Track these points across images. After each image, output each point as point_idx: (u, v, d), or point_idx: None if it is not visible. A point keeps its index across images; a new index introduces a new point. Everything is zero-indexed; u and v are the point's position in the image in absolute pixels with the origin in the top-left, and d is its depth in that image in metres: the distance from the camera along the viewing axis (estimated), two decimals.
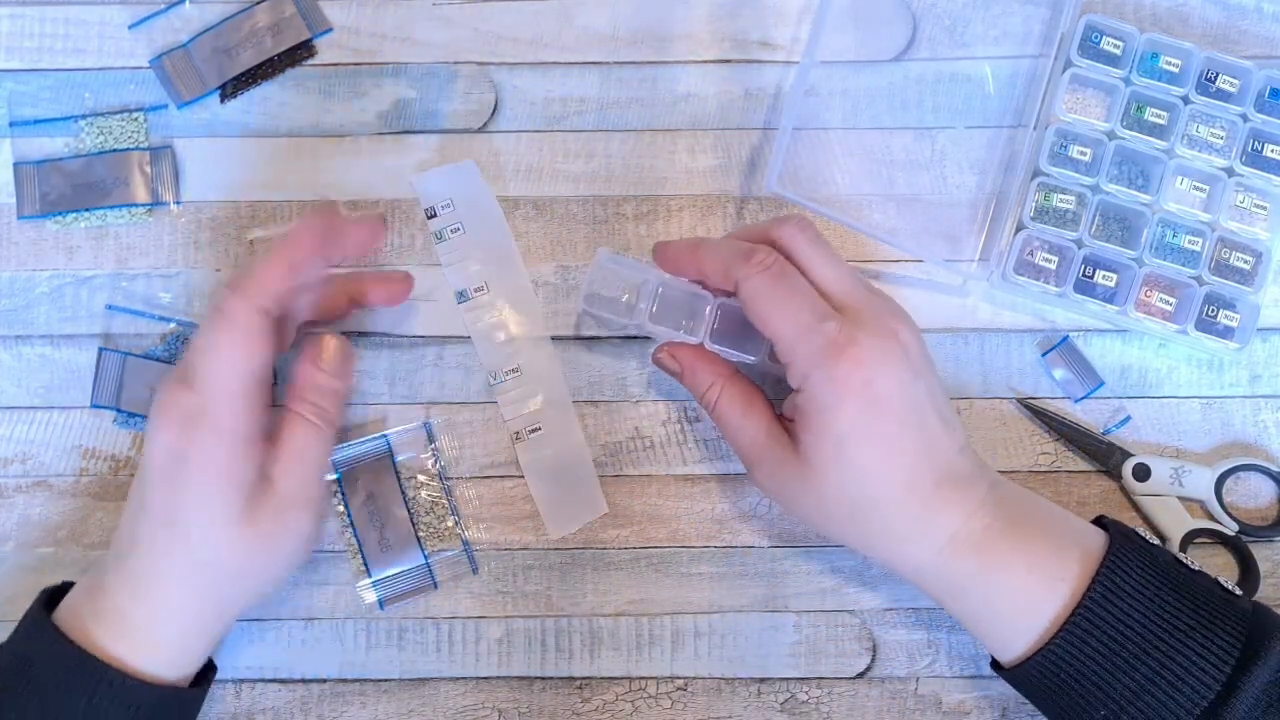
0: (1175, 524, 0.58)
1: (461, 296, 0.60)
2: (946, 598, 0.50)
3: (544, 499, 0.59)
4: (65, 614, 0.51)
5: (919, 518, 0.49)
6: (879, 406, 0.48)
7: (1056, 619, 0.48)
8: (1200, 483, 0.58)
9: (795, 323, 0.48)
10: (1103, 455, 0.58)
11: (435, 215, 0.60)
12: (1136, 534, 0.51)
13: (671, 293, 0.55)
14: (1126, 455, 0.58)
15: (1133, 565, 0.48)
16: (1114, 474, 0.59)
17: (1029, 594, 0.48)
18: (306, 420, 0.51)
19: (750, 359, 0.54)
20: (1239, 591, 0.49)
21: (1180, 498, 0.58)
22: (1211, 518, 0.58)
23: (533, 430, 0.59)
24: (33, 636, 0.50)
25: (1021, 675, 0.49)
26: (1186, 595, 0.47)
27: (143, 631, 0.50)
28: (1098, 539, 0.50)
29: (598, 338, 0.60)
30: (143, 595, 0.50)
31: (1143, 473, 0.58)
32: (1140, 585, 0.47)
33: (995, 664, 0.52)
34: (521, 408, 0.59)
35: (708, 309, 0.54)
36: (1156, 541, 0.51)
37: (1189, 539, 0.57)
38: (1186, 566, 0.49)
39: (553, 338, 0.60)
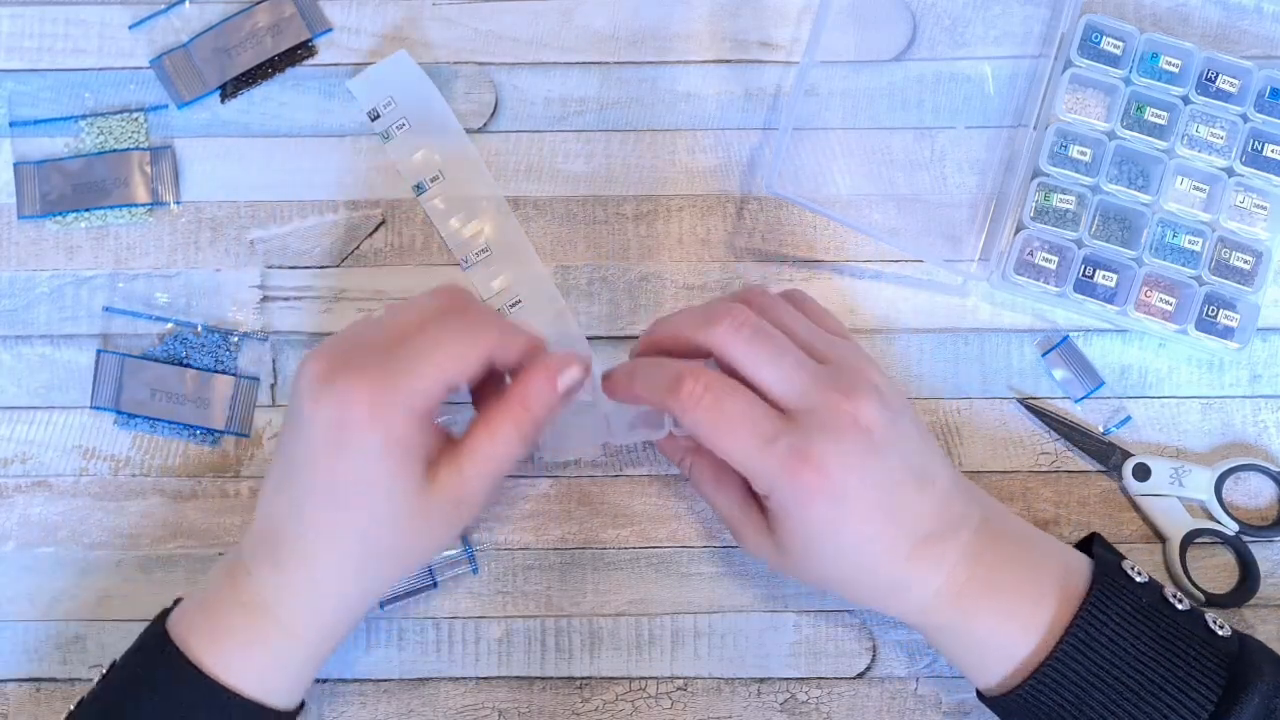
0: (1175, 524, 0.58)
1: (419, 189, 0.60)
2: (930, 639, 0.51)
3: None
4: (181, 628, 0.49)
5: (898, 582, 0.49)
6: (846, 503, 0.47)
7: (1030, 662, 0.48)
8: (1200, 483, 0.58)
9: (743, 450, 0.47)
10: (1103, 455, 0.58)
11: (379, 116, 0.61)
12: (1121, 569, 0.50)
13: (626, 413, 0.55)
14: (1127, 455, 0.58)
15: (1111, 612, 0.47)
16: (1114, 474, 0.59)
17: (1007, 637, 0.48)
18: (519, 424, 0.48)
19: None
20: (1224, 631, 0.48)
21: (1180, 498, 0.58)
22: (1211, 518, 0.58)
23: (514, 304, 0.60)
24: (154, 660, 0.49)
25: (999, 709, 0.50)
26: (1166, 642, 0.47)
27: (288, 619, 0.48)
28: (1081, 577, 0.49)
29: (598, 338, 0.60)
30: (298, 577, 0.48)
31: (1143, 473, 0.58)
32: (1117, 633, 0.47)
33: (978, 692, 0.52)
34: (498, 284, 0.60)
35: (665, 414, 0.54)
36: (1142, 576, 0.50)
37: (1189, 539, 0.57)
38: (1171, 607, 0.49)
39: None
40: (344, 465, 0.46)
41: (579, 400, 0.52)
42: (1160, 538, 0.58)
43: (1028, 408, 0.59)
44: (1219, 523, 0.58)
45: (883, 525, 0.48)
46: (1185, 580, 0.57)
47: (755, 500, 0.51)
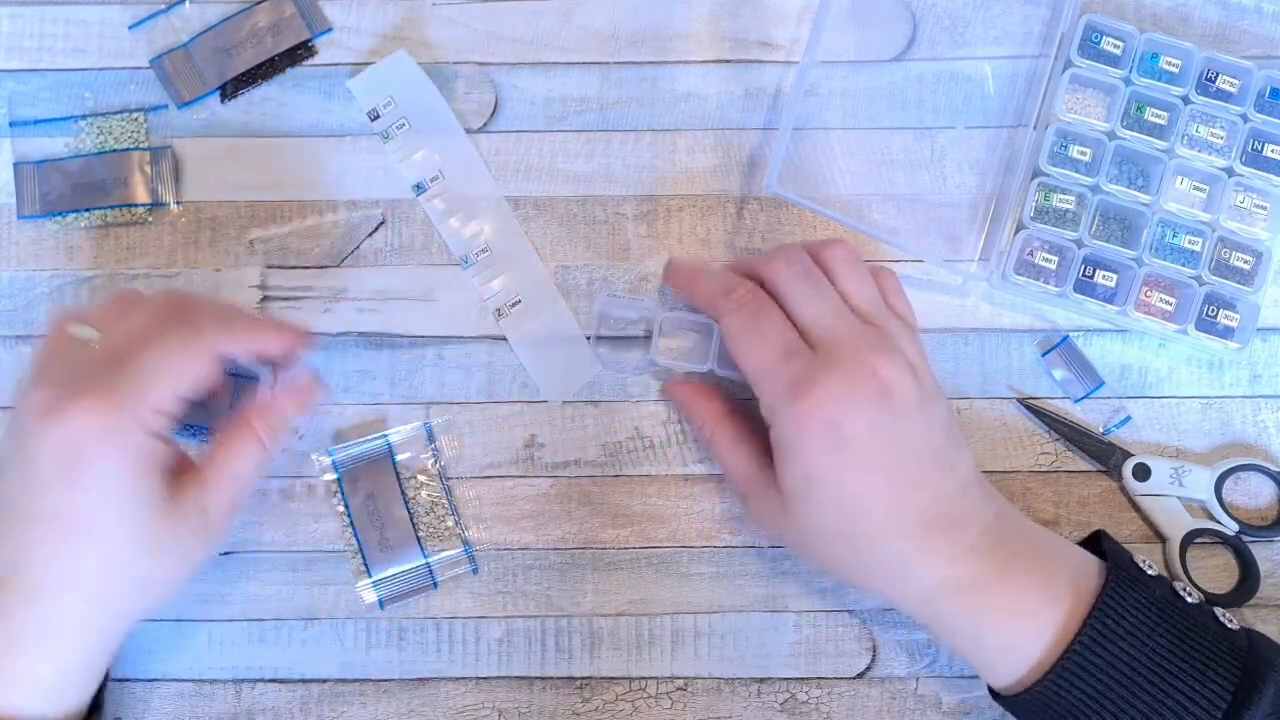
0: (1175, 524, 0.58)
1: (419, 189, 0.60)
2: (935, 632, 0.51)
3: (537, 369, 0.59)
4: None
5: (903, 560, 0.48)
6: (846, 448, 0.47)
7: (1045, 661, 0.48)
8: (1200, 483, 0.58)
9: (761, 361, 0.49)
10: (1103, 455, 0.58)
11: (379, 116, 0.60)
12: (1134, 562, 0.50)
13: (675, 325, 0.58)
14: (1126, 455, 0.58)
15: (1127, 604, 0.47)
16: (1114, 474, 0.59)
17: (1020, 636, 0.48)
18: (257, 438, 0.52)
19: None
20: (1233, 624, 0.49)
21: (1180, 498, 0.58)
22: (1211, 518, 0.58)
23: (514, 304, 0.60)
24: None
25: (1013, 707, 0.50)
26: (1181, 634, 0.47)
27: (35, 661, 0.46)
28: (1092, 575, 0.49)
29: (599, 336, 0.60)
30: (38, 616, 0.46)
31: (1143, 473, 0.58)
32: (1134, 626, 0.47)
33: (990, 688, 0.52)
34: (498, 284, 0.60)
35: (713, 337, 0.56)
36: (1152, 569, 0.50)
37: (1189, 539, 0.57)
38: (1182, 600, 0.49)
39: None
40: (77, 495, 0.45)
41: (631, 324, 0.58)
42: (1160, 538, 0.58)
43: (1028, 407, 0.59)
44: (1219, 523, 0.58)
45: (888, 486, 0.47)
46: (1185, 580, 0.57)
47: (770, 465, 0.51)
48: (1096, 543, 0.53)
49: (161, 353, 0.47)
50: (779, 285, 0.51)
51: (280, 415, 0.53)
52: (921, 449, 0.48)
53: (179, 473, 0.49)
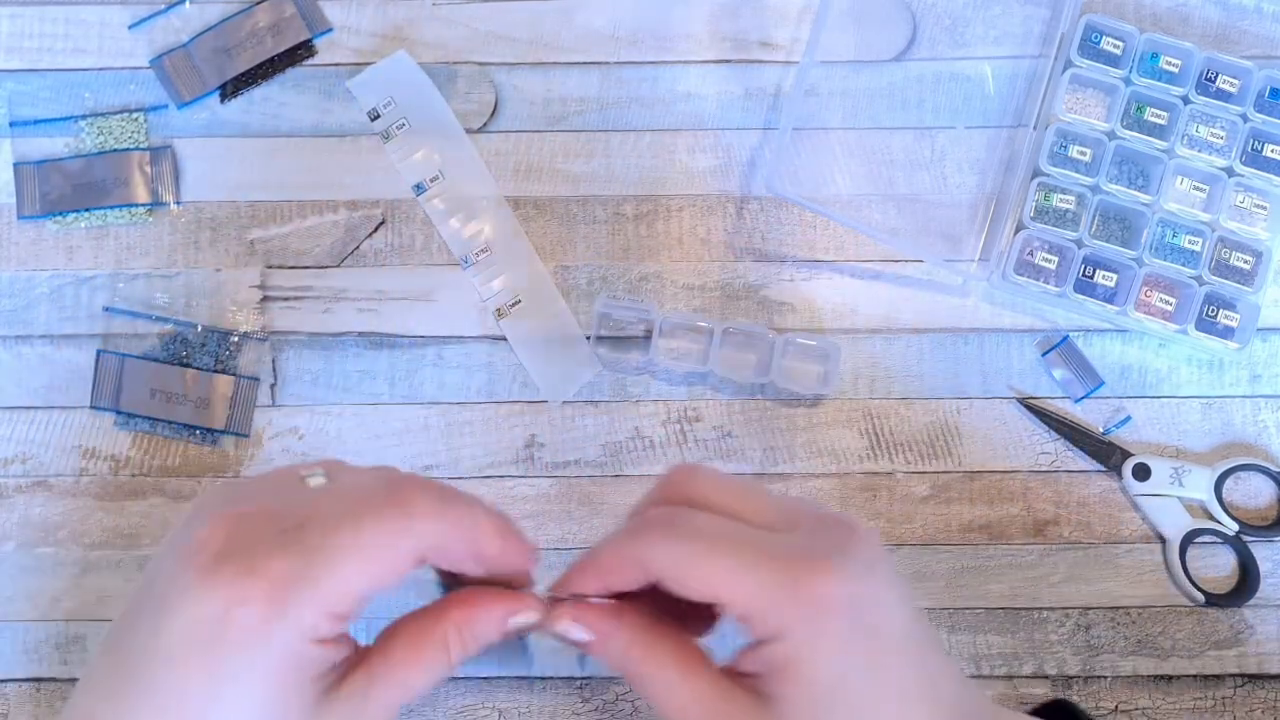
0: (1175, 524, 0.58)
1: (419, 189, 0.60)
2: None
3: (537, 369, 0.59)
4: None
5: None
6: (876, 634, 0.36)
7: None
8: (1200, 483, 0.58)
9: (733, 566, 0.36)
10: (1103, 455, 0.58)
11: (379, 116, 0.61)
12: None
13: (675, 325, 0.58)
14: (1126, 455, 0.58)
15: None
16: (1114, 474, 0.59)
17: None
18: (446, 653, 0.39)
19: (764, 378, 0.57)
20: None
21: (1180, 498, 0.58)
22: (1211, 518, 0.58)
23: (514, 304, 0.60)
24: None
25: None
26: None
27: None
28: None
29: (598, 336, 0.60)
30: None
31: (1143, 473, 0.58)
32: None
33: None
34: (498, 284, 0.60)
35: (713, 337, 0.57)
36: None
37: (1189, 539, 0.57)
38: None
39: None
40: (211, 676, 0.35)
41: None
42: (1160, 538, 0.58)
43: (1028, 407, 0.59)
44: (1219, 523, 0.58)
45: (916, 683, 0.37)
46: (1185, 580, 0.57)
47: (735, 681, 0.38)
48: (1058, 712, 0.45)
49: (359, 528, 0.36)
50: (695, 490, 0.39)
51: (485, 629, 0.39)
52: (928, 629, 0.39)
53: (346, 666, 0.38)
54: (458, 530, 0.38)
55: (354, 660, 0.38)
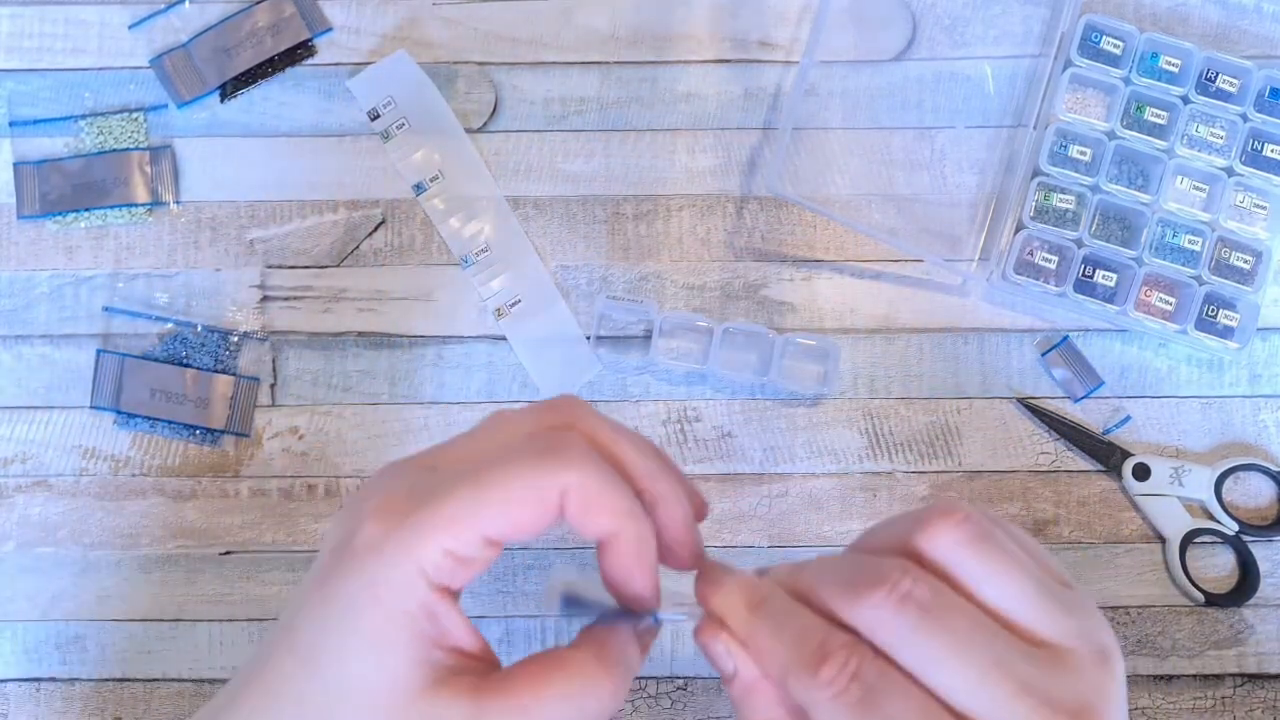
0: (1175, 524, 0.58)
1: (419, 189, 0.60)
2: None
3: (537, 369, 0.59)
4: None
5: None
6: None
7: None
8: (1200, 482, 0.58)
9: (999, 685, 0.30)
10: (1103, 455, 0.58)
11: (379, 116, 0.61)
12: None
13: (675, 325, 0.58)
14: (1126, 455, 0.58)
15: None
16: (1114, 474, 0.59)
17: None
18: (611, 680, 0.34)
19: (764, 378, 0.58)
20: None
21: (1180, 498, 0.58)
22: (1211, 518, 0.58)
23: (514, 304, 0.60)
24: None
25: None
26: None
27: None
28: None
29: (598, 336, 0.60)
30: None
31: (1142, 473, 0.58)
32: None
33: None
34: (498, 284, 0.60)
35: (713, 337, 0.57)
36: None
37: (1189, 539, 0.57)
38: None
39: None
40: (324, 599, 0.33)
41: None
42: (1160, 538, 0.58)
43: (1028, 407, 0.59)
44: (1219, 522, 0.58)
45: None
46: (1185, 580, 0.57)
47: None
48: None
49: (492, 460, 0.33)
50: (958, 568, 0.32)
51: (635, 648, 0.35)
52: None
53: (471, 675, 0.33)
54: (617, 470, 0.33)
55: (491, 681, 0.33)
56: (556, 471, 0.32)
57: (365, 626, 0.32)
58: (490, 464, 0.33)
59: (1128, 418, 0.59)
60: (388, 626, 0.32)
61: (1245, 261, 0.58)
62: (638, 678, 0.58)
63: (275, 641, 0.34)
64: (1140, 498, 0.58)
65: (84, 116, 0.61)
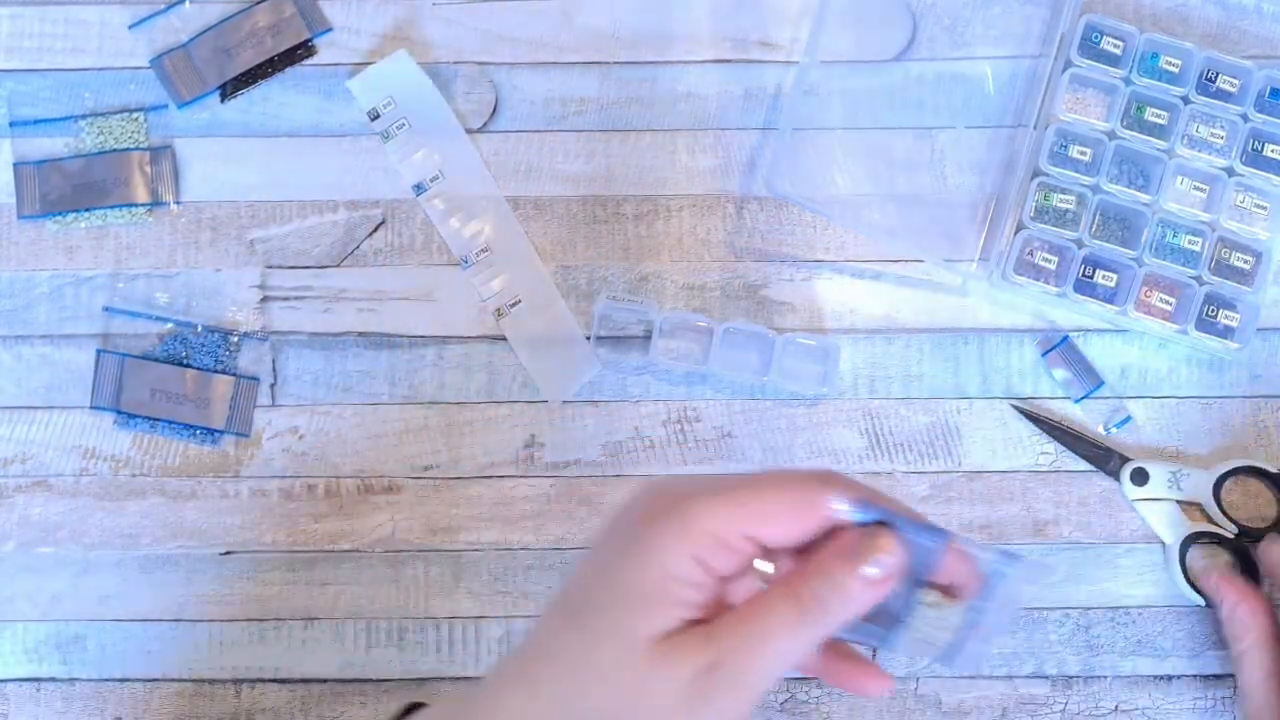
0: (1174, 528, 0.58)
1: (419, 189, 0.60)
2: None
3: (537, 369, 0.59)
4: None
5: None
6: None
7: None
8: (1199, 485, 0.58)
9: None
10: (1100, 460, 0.58)
11: (379, 116, 0.61)
12: None
13: (675, 325, 0.58)
14: (1124, 460, 0.58)
15: None
16: (1112, 478, 0.58)
17: None
18: (802, 606, 0.36)
19: (764, 378, 0.57)
20: None
21: (1179, 501, 0.58)
22: (1211, 521, 0.58)
23: (513, 304, 0.60)
24: None
25: None
26: None
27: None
28: None
29: (598, 337, 0.60)
30: (508, 695, 0.38)
31: (1140, 477, 0.58)
32: None
33: None
34: (498, 284, 0.60)
35: (712, 337, 0.57)
36: None
37: (1188, 542, 0.57)
38: None
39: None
40: (587, 569, 0.38)
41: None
42: (1160, 541, 0.58)
43: (1024, 414, 0.59)
44: (1218, 525, 0.58)
45: None
46: (1185, 584, 0.57)
47: None
48: None
49: (760, 478, 0.38)
50: None
51: (834, 582, 0.37)
52: None
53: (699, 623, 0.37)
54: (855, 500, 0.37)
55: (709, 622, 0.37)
56: (826, 483, 0.37)
57: (627, 579, 0.36)
58: (759, 476, 0.38)
59: (1128, 417, 0.59)
60: (651, 585, 0.36)
61: (1245, 262, 0.58)
62: None
63: (552, 603, 0.39)
64: (1139, 502, 0.58)
65: (84, 116, 0.61)
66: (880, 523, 0.37)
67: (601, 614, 0.37)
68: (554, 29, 0.62)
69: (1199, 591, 0.57)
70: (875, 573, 0.37)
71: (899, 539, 0.37)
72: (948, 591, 0.39)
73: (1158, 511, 0.58)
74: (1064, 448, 0.59)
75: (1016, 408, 0.59)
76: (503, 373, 0.60)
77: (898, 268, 0.60)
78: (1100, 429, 0.59)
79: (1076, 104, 0.60)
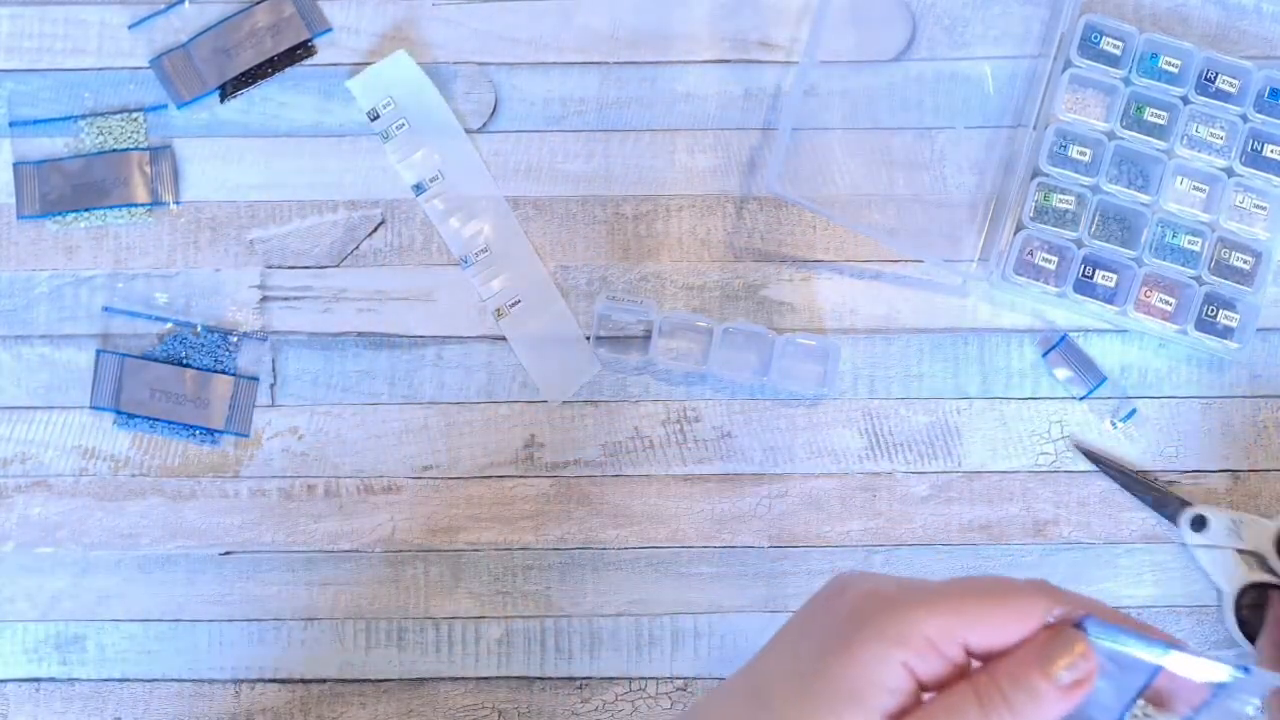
0: (1231, 576, 0.57)
1: (419, 189, 0.60)
2: None
3: (537, 369, 0.59)
4: None
5: None
6: None
7: None
8: (1260, 536, 0.56)
9: None
10: (1160, 504, 0.58)
11: (378, 116, 0.61)
12: None
13: (675, 326, 0.59)
14: (1184, 504, 0.57)
15: None
16: (1170, 522, 0.57)
17: None
18: (987, 712, 0.35)
19: (764, 378, 0.58)
20: None
21: (1238, 550, 0.57)
22: (1270, 571, 0.57)
23: (513, 304, 0.60)
24: None
25: None
26: None
27: None
28: None
29: (598, 337, 0.60)
30: None
31: (1200, 524, 0.57)
32: None
33: None
34: (498, 284, 0.60)
35: (712, 338, 0.57)
36: None
37: (1244, 593, 0.56)
38: None
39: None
40: (790, 665, 0.36)
41: None
42: (1216, 590, 0.57)
43: (1084, 453, 0.58)
44: (1277, 576, 0.56)
45: None
46: (1239, 634, 0.56)
47: None
48: None
49: (976, 584, 0.36)
50: None
51: (1027, 688, 0.35)
52: None
53: None
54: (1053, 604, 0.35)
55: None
56: (1047, 594, 0.35)
57: (830, 679, 0.35)
58: (973, 582, 0.36)
59: (1134, 410, 0.59)
60: (856, 687, 0.35)
61: (1245, 262, 0.58)
62: (638, 677, 0.58)
63: (735, 687, 0.38)
64: (1197, 549, 0.57)
65: (84, 116, 0.61)
66: (1077, 624, 0.35)
67: (795, 711, 0.35)
68: (554, 29, 0.62)
69: (1251, 641, 0.56)
70: (1068, 677, 0.34)
71: (1094, 644, 0.35)
72: (1159, 701, 0.36)
73: (1215, 559, 0.57)
74: (1123, 491, 0.58)
75: (1078, 447, 0.59)
76: (502, 373, 0.60)
77: (897, 268, 0.60)
78: (1107, 424, 0.59)
79: (1076, 104, 0.60)
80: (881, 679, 0.34)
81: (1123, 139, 0.59)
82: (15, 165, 0.61)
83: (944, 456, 0.59)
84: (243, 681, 0.58)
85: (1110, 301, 0.58)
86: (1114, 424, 0.59)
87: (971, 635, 0.35)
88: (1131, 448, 0.59)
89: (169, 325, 0.60)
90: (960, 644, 0.35)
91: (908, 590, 0.36)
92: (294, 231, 0.61)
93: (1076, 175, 0.59)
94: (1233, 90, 0.59)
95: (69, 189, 0.60)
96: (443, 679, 0.58)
